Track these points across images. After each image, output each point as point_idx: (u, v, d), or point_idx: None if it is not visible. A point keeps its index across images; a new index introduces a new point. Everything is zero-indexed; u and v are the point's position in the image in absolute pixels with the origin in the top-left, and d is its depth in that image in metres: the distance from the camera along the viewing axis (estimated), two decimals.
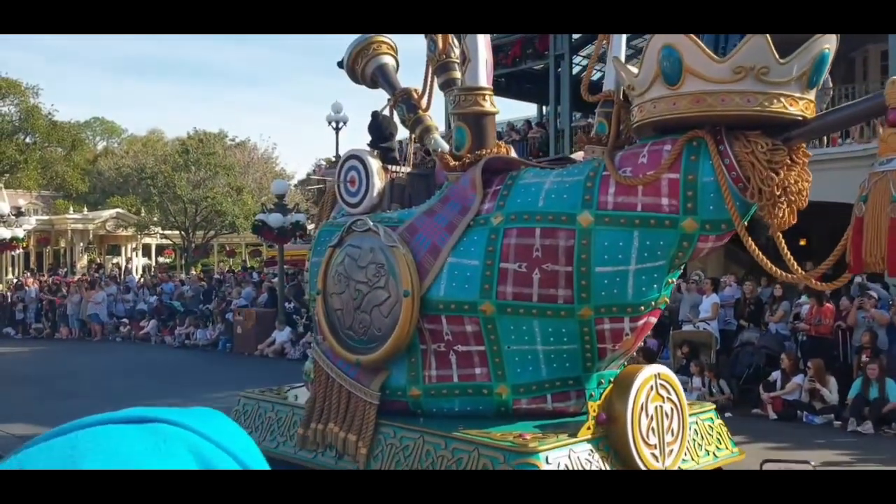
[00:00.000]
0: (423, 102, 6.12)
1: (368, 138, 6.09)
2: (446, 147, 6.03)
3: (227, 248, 39.79)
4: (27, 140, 35.30)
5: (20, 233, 22.39)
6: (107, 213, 39.88)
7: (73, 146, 36.01)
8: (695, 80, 4.17)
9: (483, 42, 5.12)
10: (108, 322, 23.56)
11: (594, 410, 4.63)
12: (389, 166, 5.60)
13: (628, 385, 4.67)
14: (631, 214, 4.44)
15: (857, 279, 14.58)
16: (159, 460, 0.66)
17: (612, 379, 4.90)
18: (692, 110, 4.20)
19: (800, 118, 4.14)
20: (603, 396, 4.75)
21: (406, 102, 6.14)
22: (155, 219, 38.33)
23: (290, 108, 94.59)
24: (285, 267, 22.23)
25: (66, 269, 32.94)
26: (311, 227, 32.17)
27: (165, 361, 18.08)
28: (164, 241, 40.59)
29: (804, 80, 4.11)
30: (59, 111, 35.82)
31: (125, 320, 24.01)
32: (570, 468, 4.27)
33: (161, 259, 41.90)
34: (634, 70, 4.51)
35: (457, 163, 5.05)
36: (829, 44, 4.08)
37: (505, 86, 19.96)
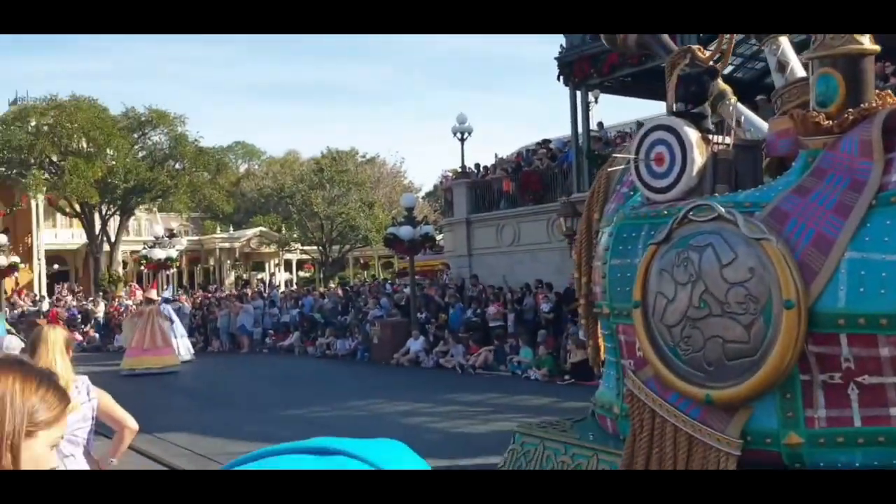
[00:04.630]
0: (715, 62, 4.56)
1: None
2: (754, 117, 4.45)
3: (362, 261, 39.14)
4: (177, 166, 35.70)
5: (174, 253, 22.68)
6: (250, 232, 39.93)
7: (217, 170, 36.14)
8: None
9: None
10: (255, 334, 23.39)
11: None
12: (710, 137, 4.05)
13: None
14: None
15: None
16: None
17: None
18: None
19: None
20: None
21: (690, 64, 4.59)
22: (295, 235, 38.08)
23: (415, 122, 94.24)
24: (416, 277, 21.72)
25: (215, 286, 32.95)
26: (439, 237, 31.26)
27: (309, 371, 17.54)
28: (304, 257, 40.34)
29: None
30: (203, 137, 36.11)
31: (271, 332, 23.89)
32: None
33: (301, 273, 41.69)
34: None
35: (831, 122, 3.46)
36: None
37: (632, 84, 17.94)
